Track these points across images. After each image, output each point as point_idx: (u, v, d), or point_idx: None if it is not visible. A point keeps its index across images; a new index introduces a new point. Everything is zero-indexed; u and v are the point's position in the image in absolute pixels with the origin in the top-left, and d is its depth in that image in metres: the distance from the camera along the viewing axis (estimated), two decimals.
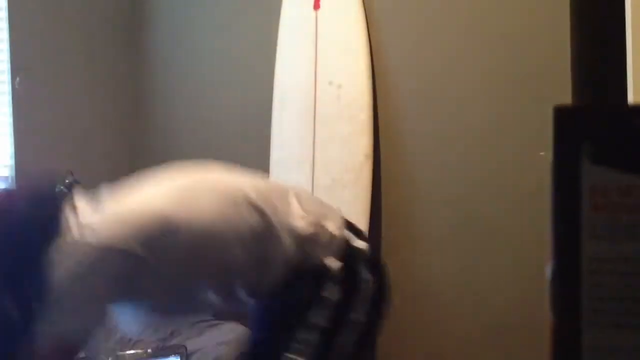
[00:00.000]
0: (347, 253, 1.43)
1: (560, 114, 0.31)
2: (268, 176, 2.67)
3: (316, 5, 2.72)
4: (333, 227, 1.42)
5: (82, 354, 2.05)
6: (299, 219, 1.40)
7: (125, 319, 2.12)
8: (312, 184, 2.65)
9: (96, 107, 3.21)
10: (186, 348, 1.93)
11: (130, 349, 2.02)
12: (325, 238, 1.40)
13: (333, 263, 1.37)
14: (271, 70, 2.80)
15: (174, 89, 3.30)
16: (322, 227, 1.41)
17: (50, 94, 3.00)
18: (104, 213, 1.40)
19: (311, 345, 1.35)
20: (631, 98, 1.73)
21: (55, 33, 3.04)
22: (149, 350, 1.97)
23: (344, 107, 2.65)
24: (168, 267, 1.33)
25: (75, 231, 1.33)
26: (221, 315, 2.47)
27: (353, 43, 2.69)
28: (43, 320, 1.25)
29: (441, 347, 2.58)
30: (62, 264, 1.28)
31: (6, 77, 2.84)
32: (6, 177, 2.85)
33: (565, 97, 2.25)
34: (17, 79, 2.84)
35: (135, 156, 3.39)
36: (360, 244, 1.48)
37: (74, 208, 1.40)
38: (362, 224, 2.73)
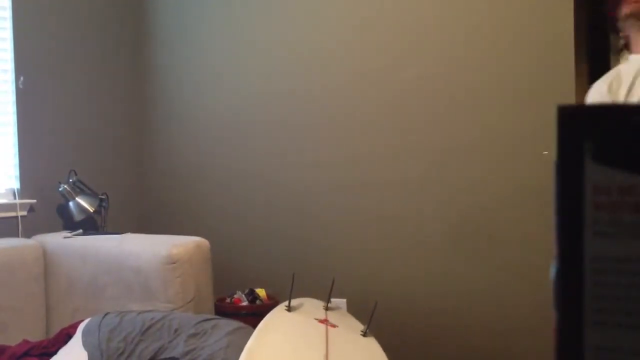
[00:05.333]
0: None
1: (564, 113, 0.31)
2: None
3: None
4: None
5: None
6: None
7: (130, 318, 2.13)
8: None
9: (99, 106, 3.22)
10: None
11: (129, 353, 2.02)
12: None
13: None
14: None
15: (178, 89, 3.30)
16: None
17: (54, 93, 3.01)
18: None
19: None
20: None
21: (59, 32, 3.04)
22: None
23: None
24: None
25: None
26: (222, 314, 2.48)
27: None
28: None
29: (442, 347, 2.58)
30: None
31: (10, 76, 2.85)
32: (12, 189, 2.86)
33: (569, 97, 2.25)
34: (21, 78, 2.85)
35: (139, 154, 3.39)
36: None
37: None
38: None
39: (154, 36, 3.37)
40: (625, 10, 1.51)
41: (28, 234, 2.79)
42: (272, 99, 3.00)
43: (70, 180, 2.97)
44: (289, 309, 2.16)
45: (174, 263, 2.40)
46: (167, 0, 3.33)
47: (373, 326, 2.22)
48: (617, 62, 2.25)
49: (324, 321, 2.13)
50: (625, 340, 0.31)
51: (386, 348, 2.09)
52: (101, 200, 3.02)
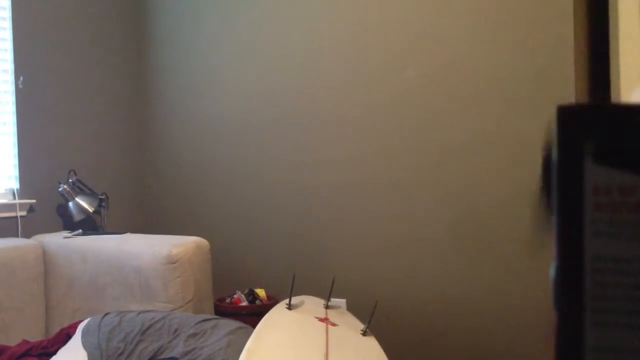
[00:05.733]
0: None
1: (564, 113, 0.31)
2: None
3: None
4: None
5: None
6: None
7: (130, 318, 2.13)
8: None
9: (99, 106, 3.22)
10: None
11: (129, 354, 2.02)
12: None
13: None
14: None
15: (178, 89, 3.30)
16: None
17: (54, 93, 3.01)
18: None
19: None
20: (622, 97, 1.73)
21: (59, 32, 3.04)
22: None
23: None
24: None
25: None
26: (222, 314, 2.48)
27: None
28: None
29: (442, 346, 2.58)
30: None
31: (10, 76, 2.85)
32: (12, 189, 2.86)
33: (568, 97, 2.25)
34: (21, 78, 2.85)
35: (139, 154, 3.39)
36: None
37: None
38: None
39: (154, 36, 3.37)
40: None
41: (28, 234, 2.79)
42: (272, 99, 3.00)
43: (70, 180, 2.97)
44: (290, 307, 2.16)
45: (174, 263, 2.40)
46: (167, 2, 3.32)
47: (373, 326, 2.22)
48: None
49: (325, 320, 2.13)
50: (625, 340, 0.31)
51: (386, 348, 2.09)
52: (101, 200, 3.02)
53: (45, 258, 2.61)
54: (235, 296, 2.87)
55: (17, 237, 2.77)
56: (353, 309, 2.70)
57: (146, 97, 3.40)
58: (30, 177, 2.89)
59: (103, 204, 3.03)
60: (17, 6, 2.86)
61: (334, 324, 2.11)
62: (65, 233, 2.81)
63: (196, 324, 2.08)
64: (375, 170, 2.73)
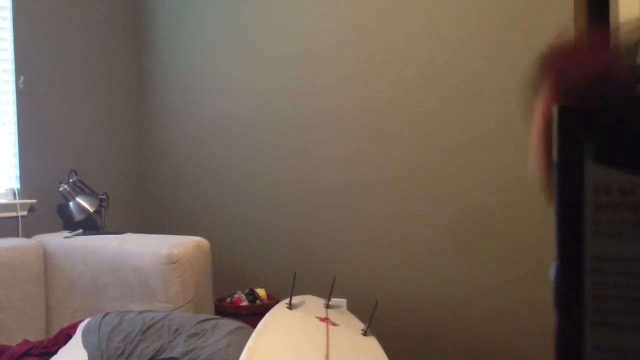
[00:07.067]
0: None
1: (564, 113, 0.31)
2: None
3: None
4: None
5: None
6: None
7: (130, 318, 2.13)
8: None
9: (99, 106, 3.22)
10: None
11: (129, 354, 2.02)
12: None
13: None
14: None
15: (177, 89, 3.30)
16: None
17: (54, 93, 3.01)
18: None
19: None
20: None
21: (59, 33, 3.04)
22: None
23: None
24: None
25: None
26: (222, 314, 2.48)
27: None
28: None
29: (442, 346, 2.58)
30: None
31: (10, 76, 2.85)
32: (12, 189, 2.86)
33: None
34: (21, 78, 2.85)
35: (139, 155, 3.39)
36: None
37: None
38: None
39: (154, 36, 3.37)
40: None
41: (28, 234, 2.79)
42: (271, 99, 3.00)
43: (70, 180, 2.97)
44: (290, 306, 2.17)
45: (174, 263, 2.40)
46: (167, 2, 3.32)
47: (373, 325, 2.22)
48: None
49: (325, 319, 2.13)
50: (625, 340, 0.31)
51: (386, 347, 2.09)
52: (101, 200, 3.02)
53: (46, 258, 2.61)
54: (235, 296, 2.87)
55: (18, 237, 2.77)
56: (353, 308, 2.70)
57: (146, 97, 3.40)
58: (31, 177, 2.89)
59: (103, 203, 3.03)
60: (17, 6, 2.86)
61: (334, 324, 2.11)
62: (66, 233, 2.81)
63: (196, 323, 2.08)
64: (375, 170, 2.73)
